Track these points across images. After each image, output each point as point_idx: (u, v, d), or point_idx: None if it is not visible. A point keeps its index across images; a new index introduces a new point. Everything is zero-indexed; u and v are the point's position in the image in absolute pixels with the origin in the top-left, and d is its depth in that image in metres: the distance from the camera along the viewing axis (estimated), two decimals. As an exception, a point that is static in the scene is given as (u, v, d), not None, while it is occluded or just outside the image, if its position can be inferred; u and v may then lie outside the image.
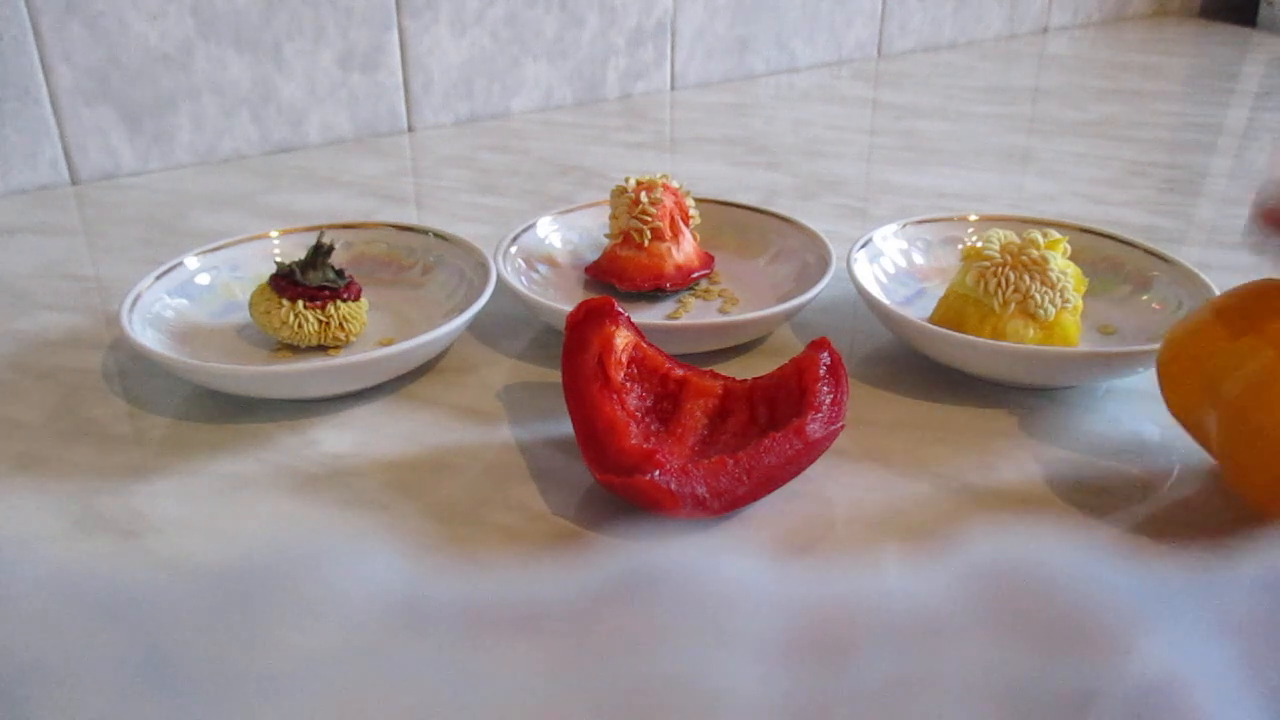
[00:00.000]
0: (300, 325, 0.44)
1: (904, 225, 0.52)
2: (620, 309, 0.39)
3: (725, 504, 0.34)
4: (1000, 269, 0.43)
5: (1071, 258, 0.44)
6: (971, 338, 0.41)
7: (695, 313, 0.50)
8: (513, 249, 0.51)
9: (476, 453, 0.40)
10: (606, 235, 0.53)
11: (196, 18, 0.68)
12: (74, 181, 0.68)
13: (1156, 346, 0.40)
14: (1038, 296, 0.42)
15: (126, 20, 0.66)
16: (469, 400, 0.43)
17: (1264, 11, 1.24)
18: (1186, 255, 0.50)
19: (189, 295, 0.47)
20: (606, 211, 0.54)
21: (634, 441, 0.36)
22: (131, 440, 0.40)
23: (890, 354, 0.47)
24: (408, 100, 0.79)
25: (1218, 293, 0.44)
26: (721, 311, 0.49)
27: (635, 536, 0.35)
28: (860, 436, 0.41)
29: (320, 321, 0.44)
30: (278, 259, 0.50)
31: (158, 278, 0.46)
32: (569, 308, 0.40)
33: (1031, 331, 0.42)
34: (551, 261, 0.53)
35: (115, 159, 0.69)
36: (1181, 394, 0.36)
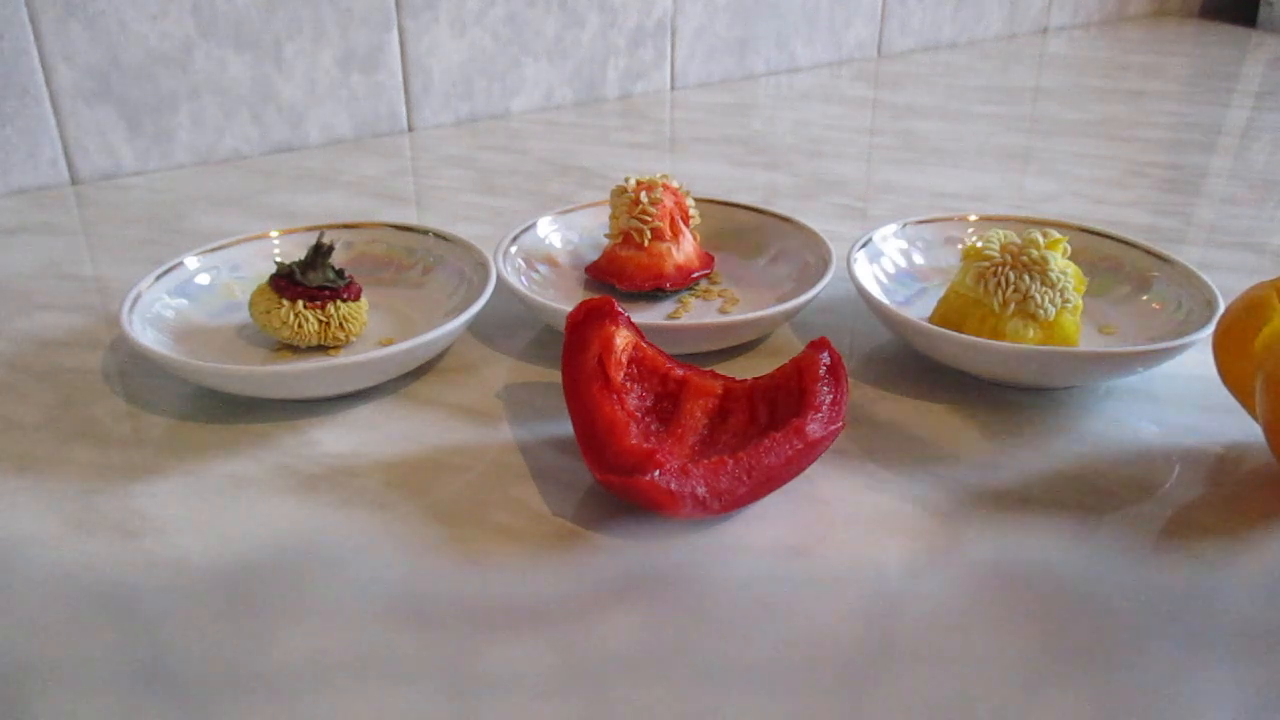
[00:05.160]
0: (300, 325, 0.44)
1: (904, 225, 0.52)
2: (620, 309, 0.39)
3: (725, 504, 0.34)
4: (1000, 269, 0.43)
5: (1071, 258, 0.44)
6: (971, 338, 0.41)
7: (695, 313, 0.50)
8: (513, 249, 0.51)
9: (476, 453, 0.40)
10: (606, 235, 0.53)
11: (196, 18, 0.68)
12: (74, 181, 0.68)
13: (1157, 346, 0.40)
14: (1038, 296, 0.42)
15: (126, 20, 0.66)
16: (469, 400, 0.43)
17: (1264, 11, 1.24)
18: (1186, 255, 0.50)
19: (189, 295, 0.47)
20: (606, 211, 0.54)
21: (634, 441, 0.36)
22: (131, 440, 0.40)
23: (890, 354, 0.47)
24: (408, 100, 0.79)
25: (1218, 292, 0.44)
26: (721, 311, 0.49)
27: (635, 536, 0.35)
28: (860, 436, 0.41)
29: (320, 321, 0.44)
30: (278, 259, 0.50)
31: (158, 278, 0.46)
32: (569, 308, 0.40)
33: (1031, 331, 0.42)
34: (551, 261, 0.53)
35: (115, 159, 0.69)
36: (1233, 365, 0.38)
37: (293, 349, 0.45)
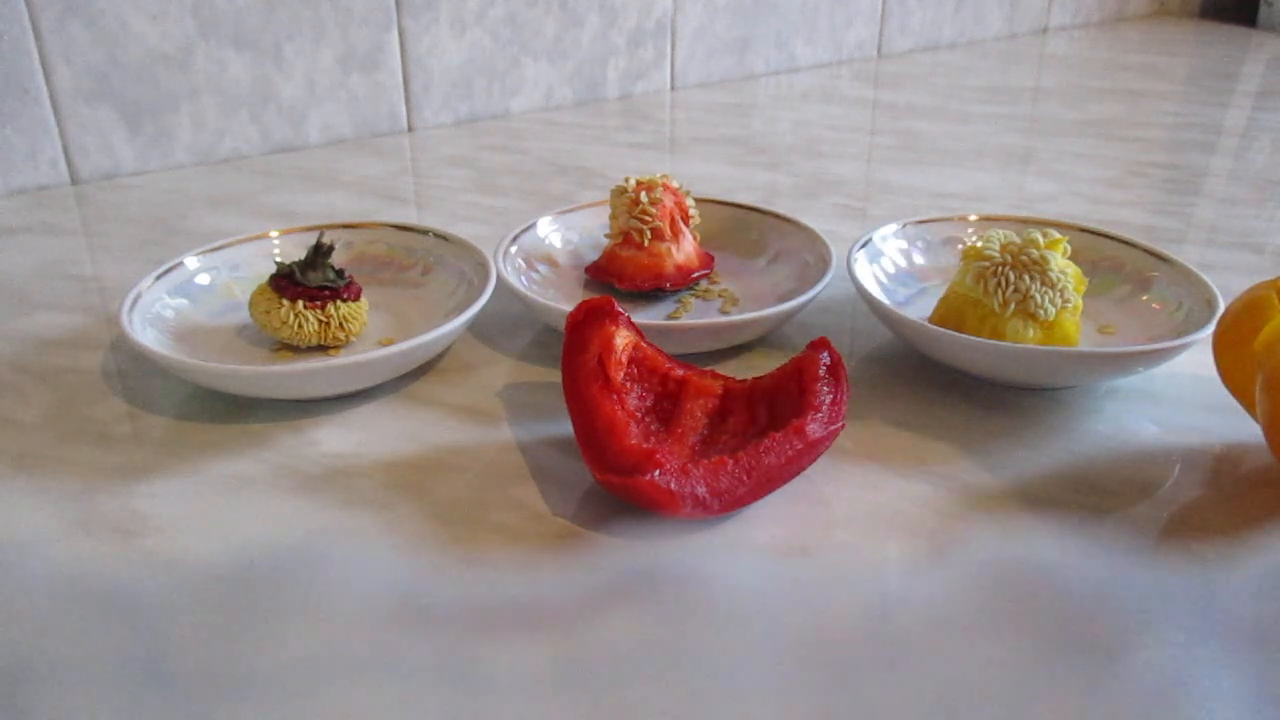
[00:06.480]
0: (300, 325, 0.44)
1: (904, 225, 0.52)
2: (620, 309, 0.39)
3: (725, 504, 0.34)
4: (1000, 269, 0.43)
5: (1071, 258, 0.44)
6: (971, 338, 0.41)
7: (695, 313, 0.50)
8: (513, 249, 0.51)
9: (476, 453, 0.40)
10: (606, 235, 0.53)
11: (196, 18, 0.68)
12: (74, 181, 0.68)
13: (1157, 346, 0.40)
14: (1038, 296, 0.42)
15: (126, 20, 0.66)
16: (469, 400, 0.43)
17: (1264, 11, 1.24)
18: (1186, 255, 0.50)
19: (189, 295, 0.47)
20: (606, 211, 0.54)
21: (634, 441, 0.36)
22: (131, 440, 0.40)
23: (890, 354, 0.47)
24: (408, 100, 0.79)
25: (1218, 292, 0.44)
26: (722, 311, 0.49)
27: (635, 536, 0.35)
28: (860, 436, 0.41)
29: (320, 321, 0.44)
30: (278, 259, 0.50)
31: (158, 278, 0.46)
32: (569, 308, 0.40)
33: (1031, 331, 0.42)
34: (551, 261, 0.53)
35: (115, 159, 0.69)
36: (1233, 365, 0.38)
37: (293, 349, 0.45)
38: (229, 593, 0.15)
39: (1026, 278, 0.42)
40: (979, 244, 0.44)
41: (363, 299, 0.46)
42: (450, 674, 0.15)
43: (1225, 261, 0.58)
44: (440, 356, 0.47)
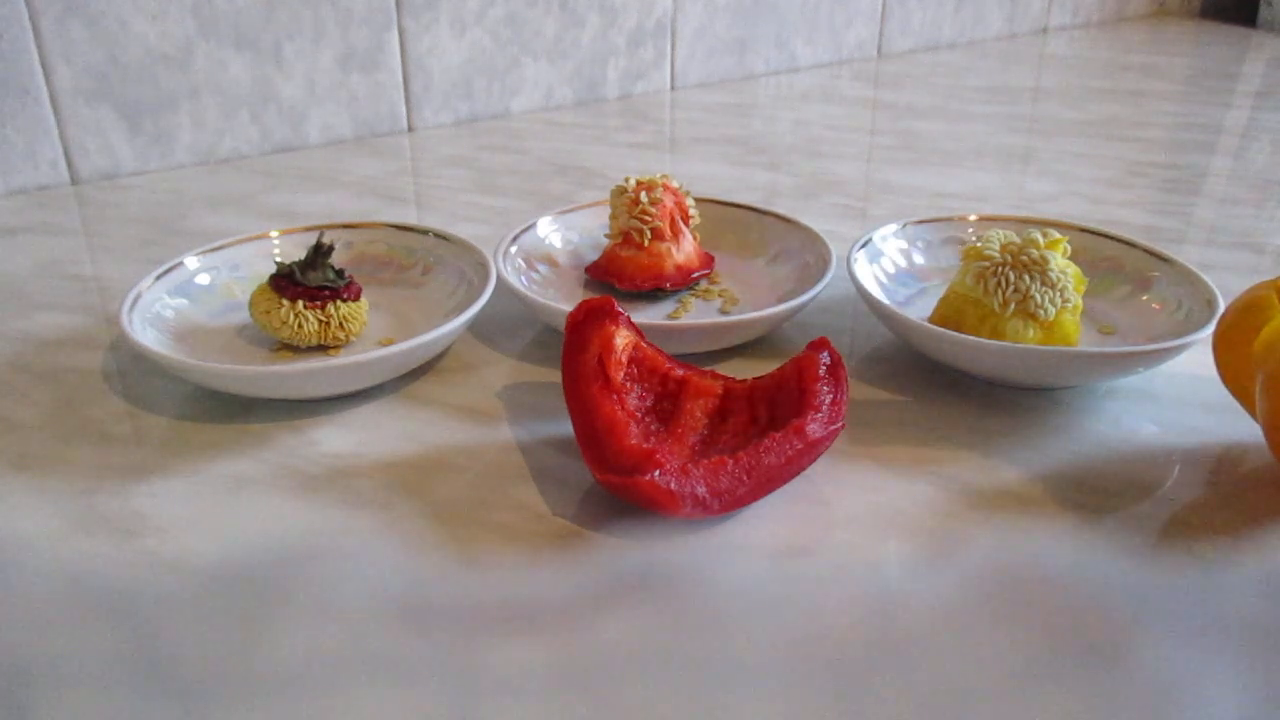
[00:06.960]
0: (300, 325, 0.44)
1: (904, 225, 0.52)
2: (620, 309, 0.39)
3: (725, 504, 0.34)
4: (1000, 269, 0.43)
5: (1071, 258, 0.44)
6: (971, 338, 0.41)
7: (695, 313, 0.50)
8: (513, 249, 0.51)
9: (476, 453, 0.40)
10: (606, 235, 0.53)
11: (196, 18, 0.68)
12: (74, 181, 0.68)
13: (1157, 346, 0.40)
14: (1038, 296, 0.42)
15: (126, 20, 0.66)
16: (469, 400, 0.43)
17: (1264, 11, 1.24)
18: (1186, 255, 0.50)
19: (189, 295, 0.47)
20: (606, 211, 0.54)
21: (634, 441, 0.36)
22: (131, 440, 0.40)
23: (890, 354, 0.47)
24: (408, 100, 0.79)
25: (1218, 292, 0.44)
26: (722, 311, 0.49)
27: (635, 536, 0.35)
28: (860, 436, 0.41)
29: (320, 321, 0.44)
30: (278, 259, 0.50)
31: (158, 278, 0.46)
32: (569, 308, 0.40)
33: (1031, 331, 0.42)
34: (551, 261, 0.53)
35: (115, 159, 0.69)
36: (1233, 365, 0.38)
37: (293, 349, 0.45)
38: (229, 593, 0.15)
39: (1026, 278, 0.42)
40: (979, 244, 0.44)
41: (363, 299, 0.46)
42: (450, 674, 0.15)
43: (1225, 261, 0.58)
44: (440, 356, 0.47)
